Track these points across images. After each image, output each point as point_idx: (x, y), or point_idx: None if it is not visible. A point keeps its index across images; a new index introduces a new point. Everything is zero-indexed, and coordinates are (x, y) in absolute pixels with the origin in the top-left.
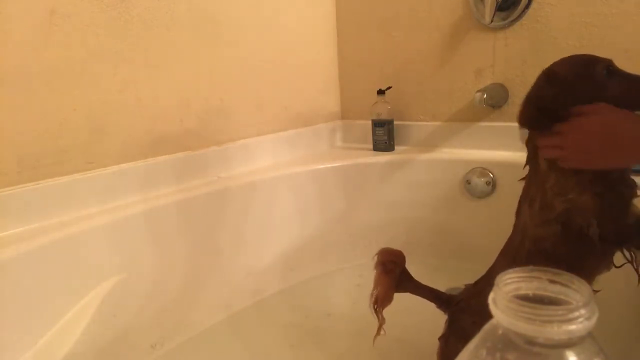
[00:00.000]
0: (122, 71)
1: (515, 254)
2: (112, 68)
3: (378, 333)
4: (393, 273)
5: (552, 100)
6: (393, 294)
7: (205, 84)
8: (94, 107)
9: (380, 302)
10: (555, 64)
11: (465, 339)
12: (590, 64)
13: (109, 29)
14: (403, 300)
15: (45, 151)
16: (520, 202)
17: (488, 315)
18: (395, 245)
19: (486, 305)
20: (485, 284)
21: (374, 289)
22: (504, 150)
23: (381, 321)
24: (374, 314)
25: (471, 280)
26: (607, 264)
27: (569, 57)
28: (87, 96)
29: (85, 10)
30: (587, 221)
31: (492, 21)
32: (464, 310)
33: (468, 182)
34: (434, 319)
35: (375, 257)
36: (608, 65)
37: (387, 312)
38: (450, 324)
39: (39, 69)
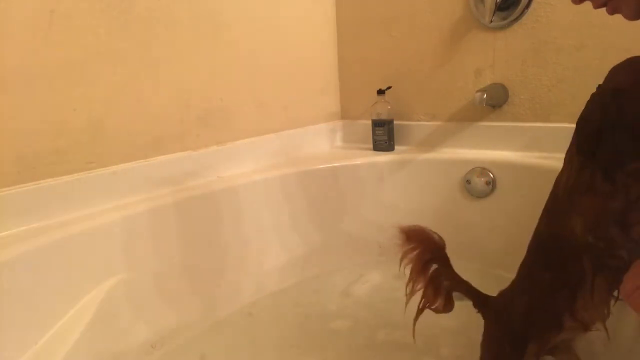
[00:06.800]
0: (122, 71)
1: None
2: (112, 68)
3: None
4: (438, 267)
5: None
6: (445, 294)
7: (205, 84)
8: (94, 107)
9: (430, 304)
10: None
11: (494, 348)
12: None
13: (109, 29)
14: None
15: (45, 151)
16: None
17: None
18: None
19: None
20: (512, 292)
21: (413, 286)
22: (504, 150)
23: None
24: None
25: (472, 280)
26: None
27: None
28: (87, 96)
29: (85, 10)
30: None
31: (492, 21)
32: (499, 319)
33: (468, 182)
34: (431, 319)
35: (406, 244)
36: None
37: (382, 311)
38: (486, 330)
39: (39, 69)
